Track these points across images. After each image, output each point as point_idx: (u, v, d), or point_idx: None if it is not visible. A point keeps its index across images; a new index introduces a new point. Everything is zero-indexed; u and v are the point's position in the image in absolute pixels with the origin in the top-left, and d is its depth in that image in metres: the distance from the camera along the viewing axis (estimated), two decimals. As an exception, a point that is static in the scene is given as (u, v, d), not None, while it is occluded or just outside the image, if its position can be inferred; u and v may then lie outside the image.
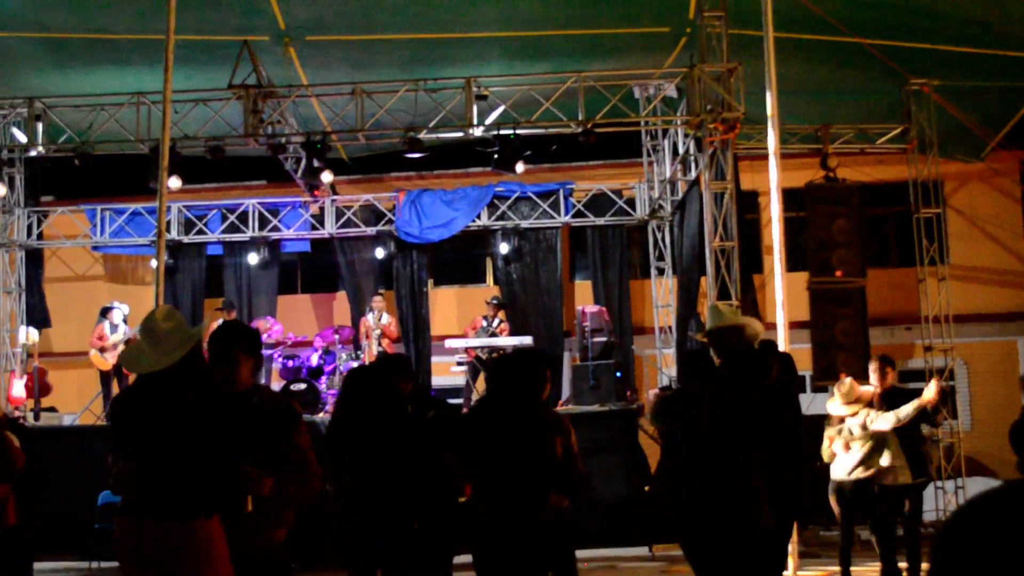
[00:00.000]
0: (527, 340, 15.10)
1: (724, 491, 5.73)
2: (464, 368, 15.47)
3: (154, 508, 4.47)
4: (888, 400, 9.43)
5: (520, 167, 14.10)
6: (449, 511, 6.41)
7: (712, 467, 5.77)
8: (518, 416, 5.82)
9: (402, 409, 6.69)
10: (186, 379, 4.65)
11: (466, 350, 15.15)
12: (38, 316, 18.13)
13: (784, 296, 11.39)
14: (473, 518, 5.89)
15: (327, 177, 14.79)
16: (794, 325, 12.54)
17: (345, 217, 17.92)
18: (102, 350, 15.37)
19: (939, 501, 13.89)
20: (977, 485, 13.62)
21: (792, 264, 13.03)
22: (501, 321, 15.87)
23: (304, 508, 5.01)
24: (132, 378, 5.27)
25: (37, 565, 9.48)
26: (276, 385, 15.78)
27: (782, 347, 10.66)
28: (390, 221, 17.79)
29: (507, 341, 15.09)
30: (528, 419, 5.83)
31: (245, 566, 4.64)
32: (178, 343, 4.64)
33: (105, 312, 15.96)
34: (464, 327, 16.39)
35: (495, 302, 15.99)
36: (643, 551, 12.56)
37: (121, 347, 14.64)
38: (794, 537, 9.34)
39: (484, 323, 15.70)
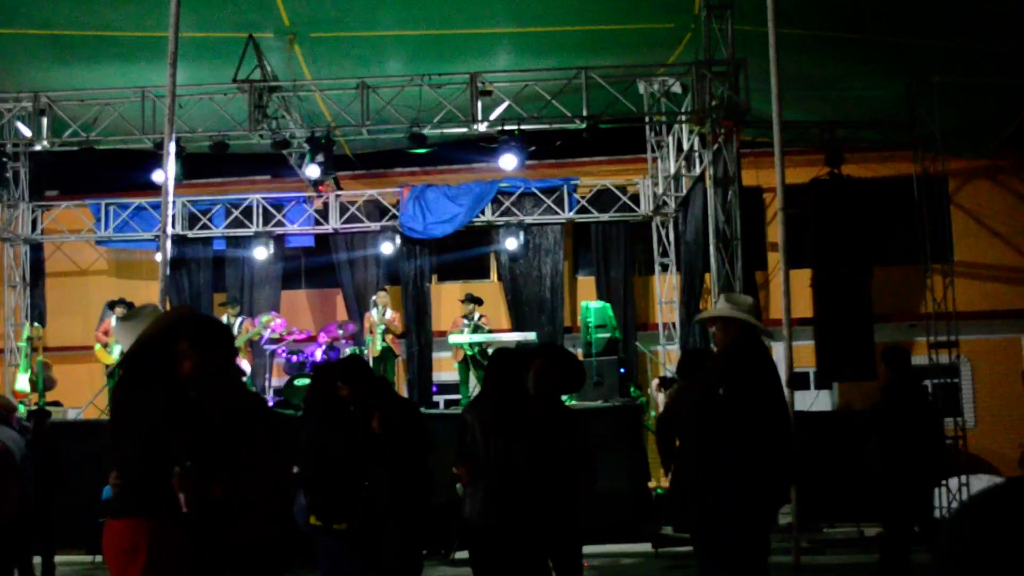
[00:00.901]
0: (530, 336, 15.10)
1: (692, 482, 5.98)
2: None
3: (111, 506, 4.53)
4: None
5: (516, 161, 14.03)
6: (371, 509, 6.52)
7: (685, 459, 6.16)
8: (522, 409, 5.84)
9: (340, 410, 6.74)
10: (136, 374, 4.48)
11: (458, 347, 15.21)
12: (35, 311, 18.19)
13: (787, 293, 11.36)
14: (470, 513, 5.91)
15: (314, 171, 14.52)
16: (798, 322, 12.54)
17: (349, 212, 17.92)
18: (106, 345, 15.40)
19: (943, 498, 13.88)
20: (981, 482, 13.61)
21: (796, 261, 13.00)
22: (481, 315, 15.83)
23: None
24: None
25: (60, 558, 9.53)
26: (279, 380, 15.79)
27: (783, 344, 10.66)
28: (394, 217, 17.80)
29: (510, 337, 15.10)
30: (532, 411, 5.85)
31: (227, 563, 4.57)
32: (132, 336, 4.47)
33: (112, 306, 15.99)
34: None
35: (470, 298, 15.92)
36: (646, 547, 12.56)
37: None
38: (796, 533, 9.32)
39: (465, 321, 15.63)
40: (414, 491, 7.06)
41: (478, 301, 15.81)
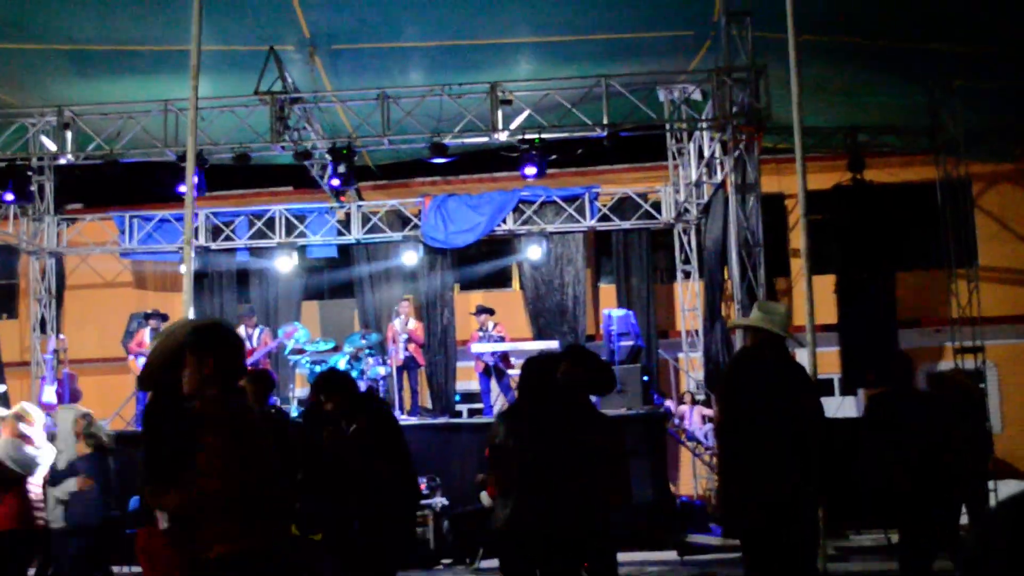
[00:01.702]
0: (552, 344, 15.09)
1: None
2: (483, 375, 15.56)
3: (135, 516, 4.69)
4: None
5: (533, 170, 14.04)
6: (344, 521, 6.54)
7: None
8: (555, 416, 5.84)
9: (323, 423, 6.84)
10: (153, 385, 4.64)
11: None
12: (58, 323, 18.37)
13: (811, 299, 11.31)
14: (501, 521, 5.90)
15: (335, 182, 14.64)
16: (822, 328, 12.49)
17: (371, 223, 17.97)
18: (139, 355, 15.58)
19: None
20: (1008, 488, 13.49)
21: (819, 267, 12.96)
22: (495, 324, 15.85)
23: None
24: None
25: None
26: (303, 390, 15.83)
27: (806, 351, 10.59)
28: (416, 226, 17.83)
29: (533, 346, 15.10)
30: (569, 418, 5.86)
31: None
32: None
33: (147, 318, 16.15)
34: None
35: (481, 309, 15.94)
36: (671, 555, 12.52)
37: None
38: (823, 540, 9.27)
39: (481, 332, 15.65)
40: (393, 505, 6.93)
41: (489, 311, 15.83)
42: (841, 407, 16.24)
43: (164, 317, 16.05)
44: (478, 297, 19.04)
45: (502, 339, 15.47)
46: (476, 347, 15.38)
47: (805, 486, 5.70)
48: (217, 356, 4.47)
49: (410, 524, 7.41)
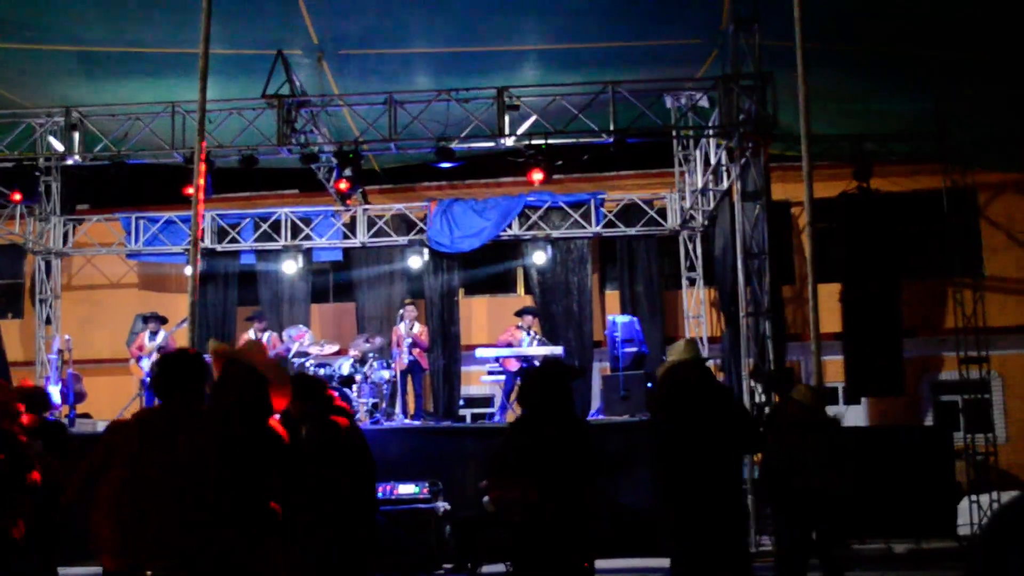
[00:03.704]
0: (557, 350, 15.07)
1: None
2: (495, 378, 15.48)
3: None
4: None
5: (538, 175, 14.01)
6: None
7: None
8: (560, 427, 5.86)
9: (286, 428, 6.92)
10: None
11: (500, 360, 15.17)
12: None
13: (816, 307, 11.30)
14: (517, 530, 5.91)
15: (343, 186, 14.70)
16: (827, 336, 12.47)
17: (377, 227, 17.99)
18: (139, 359, 15.62)
19: (974, 515, 13.75)
20: (1012, 499, 13.45)
21: (825, 275, 12.95)
22: (535, 332, 15.79)
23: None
24: None
25: (74, 571, 9.54)
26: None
27: (811, 359, 10.59)
28: (421, 231, 17.85)
29: (537, 351, 15.07)
30: (571, 429, 5.88)
31: None
32: None
33: (145, 320, 16.19)
34: (496, 336, 16.26)
35: (530, 312, 15.83)
36: (668, 562, 12.46)
37: (156, 355, 14.77)
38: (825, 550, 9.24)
39: (525, 335, 15.53)
40: (341, 515, 6.86)
41: (536, 314, 15.79)
42: (845, 416, 16.20)
43: (163, 320, 16.08)
44: (483, 302, 19.06)
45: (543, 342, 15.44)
46: (481, 351, 15.35)
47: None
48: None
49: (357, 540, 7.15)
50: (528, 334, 15.36)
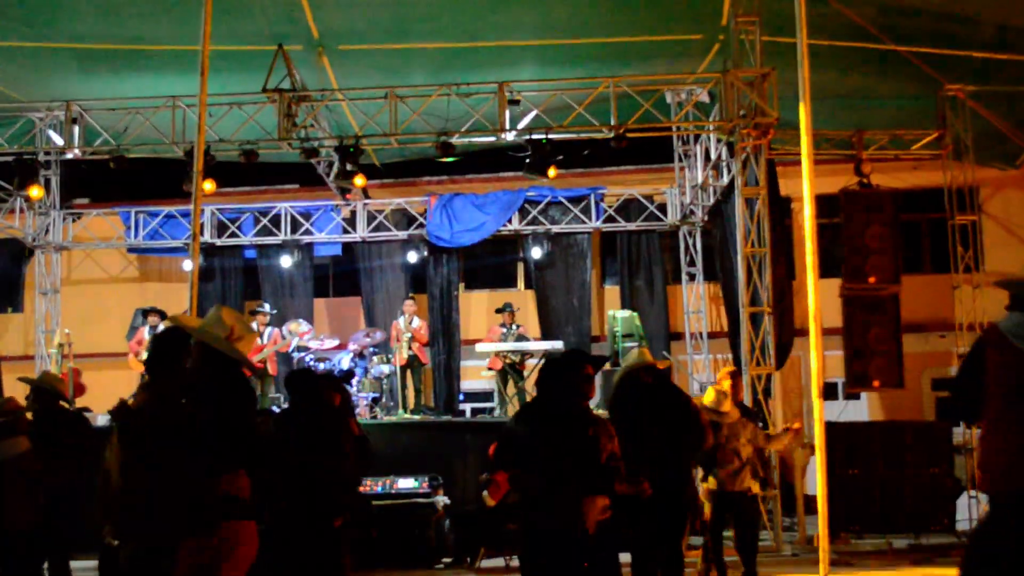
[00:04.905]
0: (557, 344, 15.07)
1: None
2: (493, 374, 15.51)
3: None
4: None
5: (552, 172, 14.03)
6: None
7: None
8: (569, 418, 5.86)
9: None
10: None
11: (496, 355, 15.19)
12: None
13: (817, 303, 11.29)
14: (522, 522, 5.90)
15: (358, 182, 14.82)
16: (827, 332, 12.45)
17: (377, 221, 17.99)
18: (138, 354, 15.62)
19: (973, 511, 13.76)
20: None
21: (825, 270, 12.93)
22: (519, 325, 15.88)
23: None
24: None
25: (76, 564, 9.53)
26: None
27: (812, 355, 10.58)
28: (421, 225, 17.85)
29: (538, 346, 15.08)
30: (579, 420, 5.88)
31: None
32: None
33: (145, 314, 16.19)
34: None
35: (510, 309, 15.94)
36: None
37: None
38: (824, 545, 9.24)
39: (504, 330, 15.66)
40: (296, 508, 6.74)
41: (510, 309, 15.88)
42: (844, 411, 16.20)
43: (162, 314, 16.06)
44: (483, 296, 19.05)
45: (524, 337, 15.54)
46: (482, 346, 15.36)
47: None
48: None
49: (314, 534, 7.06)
50: (508, 328, 15.46)
